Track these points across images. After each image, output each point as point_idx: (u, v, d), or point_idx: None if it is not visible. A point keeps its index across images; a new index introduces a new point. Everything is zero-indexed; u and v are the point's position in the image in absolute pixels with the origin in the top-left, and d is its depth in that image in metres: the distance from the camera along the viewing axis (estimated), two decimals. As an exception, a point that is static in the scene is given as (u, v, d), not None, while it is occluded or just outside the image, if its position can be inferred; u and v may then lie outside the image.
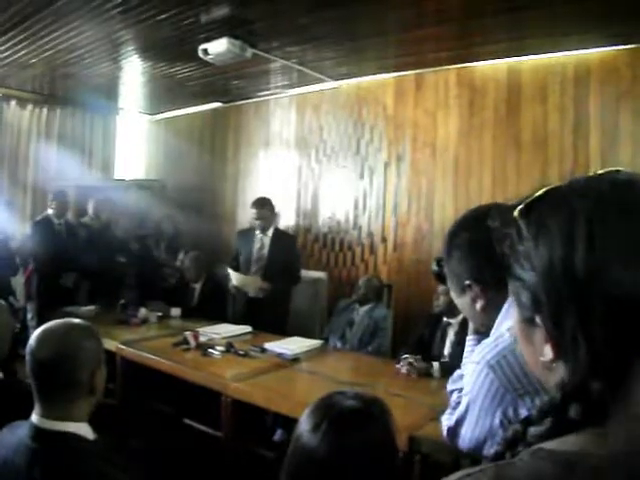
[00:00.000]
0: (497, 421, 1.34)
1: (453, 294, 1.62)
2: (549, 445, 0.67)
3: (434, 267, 1.76)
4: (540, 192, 0.72)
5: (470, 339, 1.77)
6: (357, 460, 1.38)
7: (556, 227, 0.67)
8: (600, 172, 0.72)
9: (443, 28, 4.53)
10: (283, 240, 5.59)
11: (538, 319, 0.70)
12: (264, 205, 5.50)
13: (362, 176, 6.22)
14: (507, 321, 1.36)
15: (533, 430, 0.69)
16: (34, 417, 1.63)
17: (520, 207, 0.73)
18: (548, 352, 0.69)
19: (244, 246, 5.60)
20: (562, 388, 0.67)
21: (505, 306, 1.41)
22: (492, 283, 1.44)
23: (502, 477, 0.68)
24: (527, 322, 0.73)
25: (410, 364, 3.74)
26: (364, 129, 6.21)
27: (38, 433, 1.59)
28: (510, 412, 1.32)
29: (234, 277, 5.35)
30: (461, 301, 1.59)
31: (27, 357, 1.65)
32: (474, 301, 1.52)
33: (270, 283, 5.25)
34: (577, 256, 0.64)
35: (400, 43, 5.04)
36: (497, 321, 1.45)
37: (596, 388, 0.63)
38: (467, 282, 1.51)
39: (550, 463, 0.65)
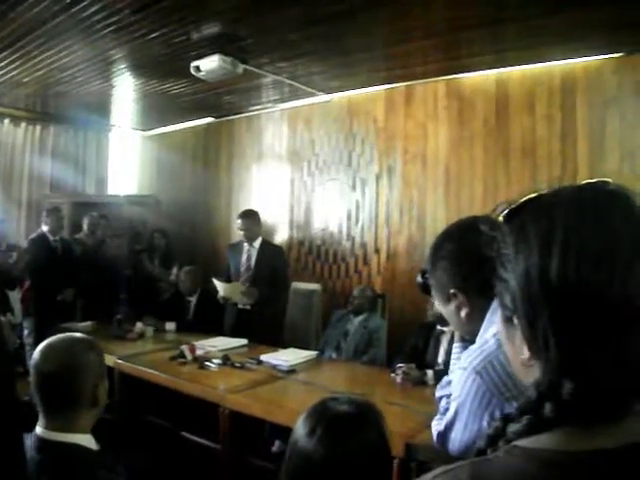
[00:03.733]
0: (485, 424, 1.38)
1: (438, 303, 1.67)
2: (524, 443, 0.70)
3: (418, 279, 1.82)
4: (524, 199, 0.76)
5: (456, 346, 1.82)
6: (353, 463, 1.41)
7: (534, 235, 0.70)
8: (587, 182, 0.75)
9: (430, 41, 4.59)
10: (270, 250, 5.70)
11: (515, 319, 0.74)
12: (248, 216, 5.65)
13: (354, 188, 6.27)
14: (492, 327, 1.41)
15: (512, 427, 0.72)
16: (38, 429, 1.66)
17: (505, 213, 0.77)
18: (526, 351, 0.72)
19: (234, 259, 5.72)
20: (537, 387, 0.70)
21: (488, 314, 1.46)
22: (475, 291, 1.49)
23: (478, 474, 0.71)
24: (508, 322, 0.76)
25: (405, 373, 3.78)
26: (355, 141, 6.26)
27: (43, 444, 1.62)
28: (497, 415, 1.36)
29: (218, 286, 5.41)
30: (446, 310, 1.64)
31: (31, 370, 1.70)
32: (459, 309, 1.57)
33: (257, 291, 5.32)
34: (552, 264, 0.67)
35: (389, 57, 5.11)
36: (482, 328, 1.50)
37: (567, 388, 0.67)
38: (452, 291, 1.56)
39: (524, 460, 0.69)
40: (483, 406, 1.40)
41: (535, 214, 0.73)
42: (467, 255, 1.48)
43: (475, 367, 1.41)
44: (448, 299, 1.59)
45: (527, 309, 0.71)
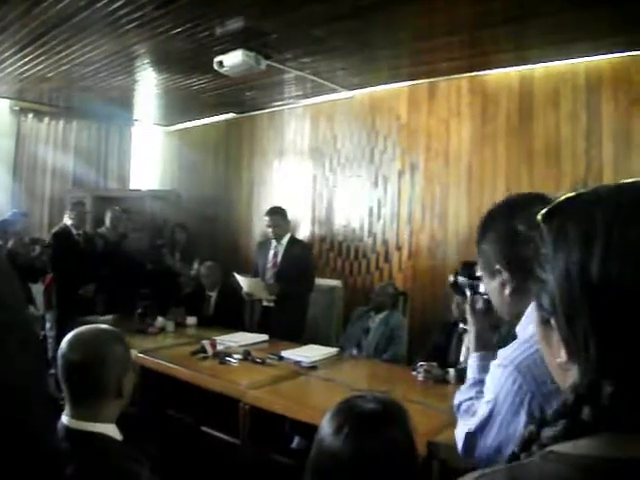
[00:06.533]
0: (521, 426, 1.34)
1: (484, 279, 1.64)
2: (561, 448, 0.68)
3: (450, 278, 1.82)
4: (562, 198, 0.74)
5: (474, 356, 1.80)
6: (379, 461, 1.40)
7: (574, 233, 0.68)
8: (625, 181, 0.73)
9: (454, 38, 4.57)
10: (297, 248, 5.66)
11: (553, 321, 0.72)
12: (276, 213, 5.63)
13: (376, 185, 6.25)
14: (532, 325, 1.37)
15: (547, 431, 0.70)
16: (64, 418, 1.68)
17: (543, 212, 0.75)
18: (563, 354, 0.71)
19: (261, 256, 5.72)
20: (575, 390, 0.68)
21: (528, 309, 1.43)
22: (520, 270, 1.45)
23: (515, 479, 0.69)
24: (545, 324, 0.75)
25: (426, 371, 3.76)
26: (378, 138, 6.24)
27: (68, 433, 1.65)
28: (537, 414, 1.31)
29: (241, 281, 5.41)
30: (490, 286, 1.60)
31: (59, 360, 1.73)
32: (503, 287, 1.53)
33: (279, 286, 5.32)
34: (593, 262, 0.65)
35: (412, 53, 5.08)
36: (521, 324, 1.47)
37: (607, 391, 0.64)
38: (497, 266, 1.53)
39: (563, 466, 0.66)
40: (519, 403, 1.36)
41: (574, 213, 0.71)
42: (515, 234, 1.45)
43: (517, 365, 1.37)
44: (493, 275, 1.56)
45: (566, 309, 0.69)
